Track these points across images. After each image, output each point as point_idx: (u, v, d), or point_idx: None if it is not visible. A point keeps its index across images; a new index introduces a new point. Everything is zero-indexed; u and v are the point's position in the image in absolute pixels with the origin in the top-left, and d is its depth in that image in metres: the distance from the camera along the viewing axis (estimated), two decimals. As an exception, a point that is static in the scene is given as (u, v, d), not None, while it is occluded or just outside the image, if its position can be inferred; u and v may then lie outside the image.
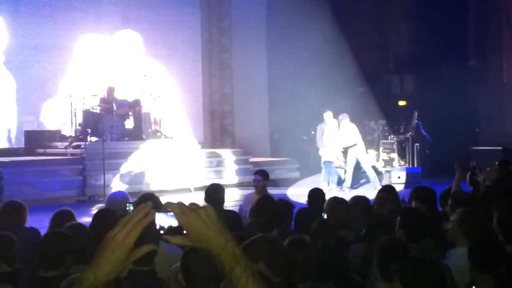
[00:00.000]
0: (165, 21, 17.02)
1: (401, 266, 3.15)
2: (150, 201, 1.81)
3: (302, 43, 17.00)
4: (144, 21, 16.66)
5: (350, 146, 13.31)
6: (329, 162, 13.36)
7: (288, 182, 14.84)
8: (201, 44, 17.82)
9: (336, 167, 13.44)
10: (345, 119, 13.40)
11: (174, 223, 1.73)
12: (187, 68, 17.52)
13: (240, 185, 14.30)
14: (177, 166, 13.81)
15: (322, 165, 13.61)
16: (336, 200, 5.18)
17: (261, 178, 7.71)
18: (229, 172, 14.77)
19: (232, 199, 10.14)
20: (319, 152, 13.95)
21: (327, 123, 13.60)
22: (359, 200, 5.49)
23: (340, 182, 13.49)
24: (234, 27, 17.56)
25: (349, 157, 13.34)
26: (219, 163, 14.88)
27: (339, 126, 13.44)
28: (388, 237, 3.73)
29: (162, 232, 1.75)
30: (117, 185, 12.70)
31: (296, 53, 16.79)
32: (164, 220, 1.75)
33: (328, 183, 13.35)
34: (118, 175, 13.04)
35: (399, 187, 11.41)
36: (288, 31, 17.00)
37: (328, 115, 13.62)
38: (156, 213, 1.73)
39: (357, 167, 13.60)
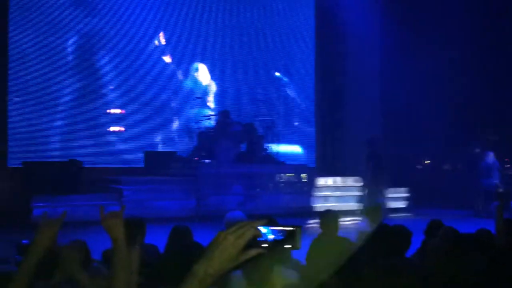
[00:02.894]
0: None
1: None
2: (264, 220, 1.91)
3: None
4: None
5: None
6: None
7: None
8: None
9: None
10: None
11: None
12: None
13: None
14: (289, 190, 13.86)
15: None
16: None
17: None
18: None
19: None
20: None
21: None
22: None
23: None
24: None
25: None
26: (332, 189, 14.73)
27: None
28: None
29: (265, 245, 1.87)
30: (230, 206, 12.90)
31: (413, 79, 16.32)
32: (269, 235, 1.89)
33: None
34: (230, 197, 13.26)
35: None
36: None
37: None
38: (265, 227, 1.88)
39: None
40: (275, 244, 1.88)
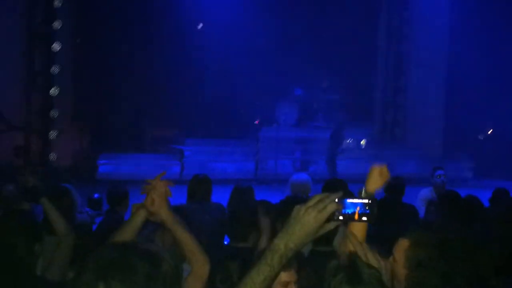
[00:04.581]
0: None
1: None
2: (341, 190, 1.90)
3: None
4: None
5: None
6: None
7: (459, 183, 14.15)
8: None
9: None
10: None
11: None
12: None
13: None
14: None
15: None
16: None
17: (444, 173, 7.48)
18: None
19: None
20: None
21: None
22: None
23: None
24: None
25: None
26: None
27: None
28: None
29: (341, 218, 1.85)
30: (287, 170, 12.97)
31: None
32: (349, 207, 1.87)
33: None
34: (291, 161, 13.32)
35: None
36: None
37: None
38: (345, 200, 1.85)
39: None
40: (351, 217, 1.86)
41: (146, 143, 14.15)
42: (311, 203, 1.81)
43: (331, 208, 1.80)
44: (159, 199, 2.51)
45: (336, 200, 1.82)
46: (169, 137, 14.19)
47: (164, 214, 2.53)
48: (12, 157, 12.45)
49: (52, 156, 12.85)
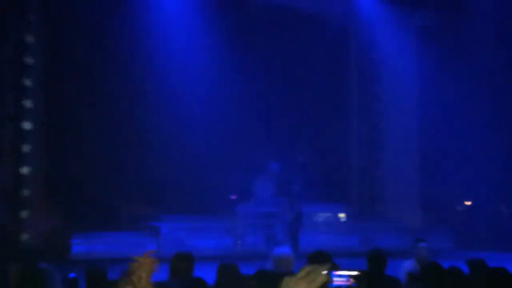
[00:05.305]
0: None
1: None
2: (328, 263, 1.92)
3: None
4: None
5: None
6: None
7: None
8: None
9: None
10: None
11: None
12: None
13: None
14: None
15: None
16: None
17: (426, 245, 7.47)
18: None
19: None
20: None
21: None
22: None
23: None
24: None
25: None
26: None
27: None
28: None
29: None
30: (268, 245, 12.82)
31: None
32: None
33: None
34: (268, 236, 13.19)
35: None
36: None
37: None
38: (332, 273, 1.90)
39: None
40: None
41: (120, 221, 13.89)
42: (300, 274, 1.81)
43: (320, 280, 1.80)
44: (146, 276, 2.52)
45: (325, 272, 1.82)
46: (144, 214, 13.98)
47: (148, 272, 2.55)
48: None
49: (25, 236, 12.53)
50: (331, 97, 16.36)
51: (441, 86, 15.90)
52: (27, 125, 13.00)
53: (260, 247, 12.97)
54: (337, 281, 1.88)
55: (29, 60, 13.04)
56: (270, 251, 6.49)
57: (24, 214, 12.70)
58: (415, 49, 16.79)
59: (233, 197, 14.09)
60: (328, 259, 4.69)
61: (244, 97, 14.67)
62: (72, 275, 6.45)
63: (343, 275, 1.88)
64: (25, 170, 12.88)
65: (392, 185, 16.47)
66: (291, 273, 1.82)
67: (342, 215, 14.51)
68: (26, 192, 12.83)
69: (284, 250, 5.80)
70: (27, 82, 13.03)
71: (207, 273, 5.46)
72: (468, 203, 16.80)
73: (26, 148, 12.96)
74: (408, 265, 7.67)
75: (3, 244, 11.78)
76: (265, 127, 15.19)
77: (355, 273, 1.90)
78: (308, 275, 1.80)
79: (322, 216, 14.27)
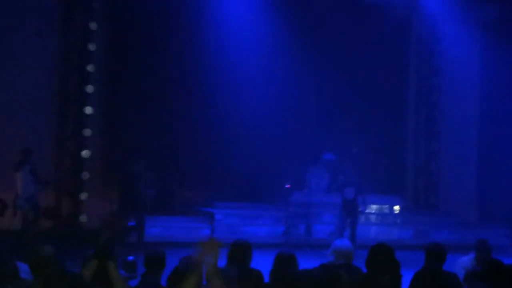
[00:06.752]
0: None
1: None
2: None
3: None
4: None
5: None
6: None
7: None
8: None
9: None
10: None
11: None
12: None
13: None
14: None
15: None
16: None
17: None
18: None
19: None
20: None
21: None
22: None
23: None
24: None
25: None
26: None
27: None
28: None
29: None
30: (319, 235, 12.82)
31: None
32: None
33: None
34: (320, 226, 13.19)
35: None
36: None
37: None
38: None
39: None
40: None
41: (176, 206, 14.09)
42: None
43: None
44: (214, 263, 2.76)
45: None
46: (198, 200, 14.15)
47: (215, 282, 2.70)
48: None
49: (83, 218, 12.86)
50: (389, 88, 16.14)
51: (503, 81, 15.48)
52: (88, 110, 13.29)
53: (311, 236, 12.97)
54: None
55: (92, 46, 13.31)
56: (329, 240, 6.38)
57: (83, 196, 13.02)
58: (477, 42, 16.35)
59: (287, 186, 14.10)
60: (389, 252, 4.64)
61: (302, 87, 14.62)
62: (130, 258, 6.61)
63: None
64: (85, 153, 13.18)
65: (448, 179, 16.15)
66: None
67: (396, 208, 14.34)
68: (85, 175, 13.14)
69: (344, 242, 5.74)
70: (90, 68, 13.31)
71: (259, 260, 5.42)
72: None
73: (87, 132, 13.25)
74: (465, 261, 7.48)
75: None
76: (323, 118, 15.11)
77: None
78: None
79: (376, 208, 14.13)
